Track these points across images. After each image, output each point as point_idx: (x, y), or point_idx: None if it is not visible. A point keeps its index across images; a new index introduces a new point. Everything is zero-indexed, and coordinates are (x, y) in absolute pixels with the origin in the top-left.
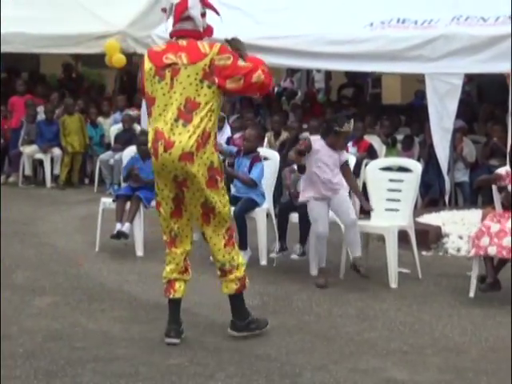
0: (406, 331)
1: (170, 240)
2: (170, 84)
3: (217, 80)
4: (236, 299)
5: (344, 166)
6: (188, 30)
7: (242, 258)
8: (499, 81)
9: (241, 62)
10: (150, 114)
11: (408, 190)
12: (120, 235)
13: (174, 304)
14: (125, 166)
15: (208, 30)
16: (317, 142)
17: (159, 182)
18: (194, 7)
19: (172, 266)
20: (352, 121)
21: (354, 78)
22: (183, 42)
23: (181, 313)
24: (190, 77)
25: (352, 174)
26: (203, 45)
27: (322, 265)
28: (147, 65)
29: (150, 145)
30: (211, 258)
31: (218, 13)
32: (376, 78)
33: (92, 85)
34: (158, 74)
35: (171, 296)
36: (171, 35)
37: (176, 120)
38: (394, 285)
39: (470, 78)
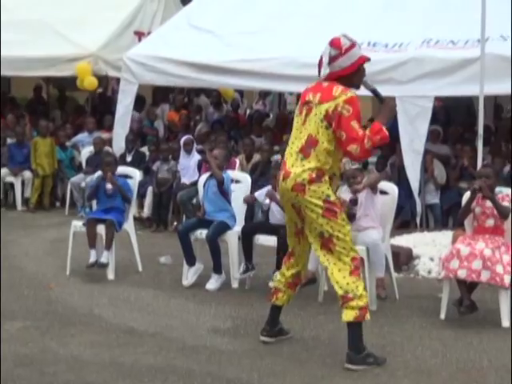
0: (378, 353)
1: (287, 256)
2: (303, 120)
3: (333, 124)
4: (354, 328)
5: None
6: (328, 74)
7: (363, 289)
8: (466, 103)
9: (354, 124)
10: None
11: (385, 213)
12: (100, 266)
13: (273, 308)
14: (90, 185)
15: (351, 67)
16: None
17: (285, 213)
18: (324, 54)
19: (279, 277)
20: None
21: None
22: (326, 83)
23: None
24: (316, 115)
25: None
26: (337, 88)
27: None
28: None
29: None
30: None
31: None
32: None
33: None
34: (299, 110)
35: (272, 301)
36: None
37: (297, 153)
38: (373, 307)
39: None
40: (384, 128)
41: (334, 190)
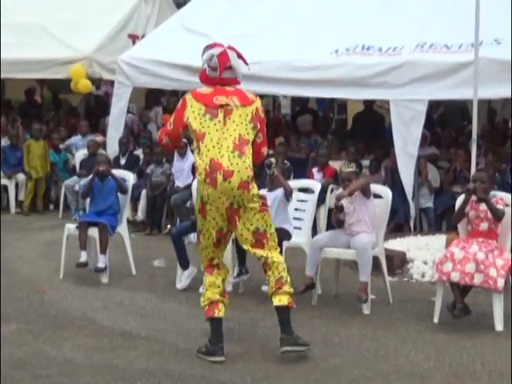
0: (371, 357)
1: (209, 267)
2: (223, 121)
3: (259, 126)
4: (288, 312)
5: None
6: (229, 79)
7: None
8: (461, 107)
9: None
10: (198, 148)
11: (379, 216)
12: (98, 271)
13: (218, 323)
14: (83, 184)
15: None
16: None
17: (210, 211)
18: (234, 59)
19: (214, 289)
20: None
21: (305, 105)
22: (230, 88)
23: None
24: (241, 117)
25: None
26: (248, 93)
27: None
28: (195, 105)
29: (203, 176)
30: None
31: (246, 63)
32: (341, 104)
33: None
34: (209, 113)
35: (216, 315)
36: (213, 81)
37: (232, 152)
38: (366, 311)
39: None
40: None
41: None
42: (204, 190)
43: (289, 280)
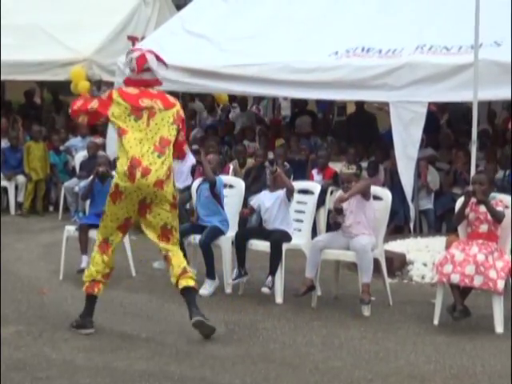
0: (371, 359)
1: (104, 246)
2: (146, 123)
3: (181, 125)
4: (194, 293)
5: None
6: (150, 80)
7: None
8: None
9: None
10: (120, 143)
11: (378, 218)
12: None
13: (94, 300)
14: (83, 186)
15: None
16: None
17: (123, 200)
18: (152, 61)
19: (99, 268)
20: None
21: (303, 107)
22: (153, 91)
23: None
24: (164, 119)
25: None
26: (169, 96)
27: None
28: (121, 102)
29: (124, 168)
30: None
31: (166, 64)
32: (341, 106)
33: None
34: (134, 114)
35: (95, 293)
36: (135, 83)
37: (152, 152)
38: (366, 313)
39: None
40: None
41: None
42: (122, 182)
43: (191, 270)
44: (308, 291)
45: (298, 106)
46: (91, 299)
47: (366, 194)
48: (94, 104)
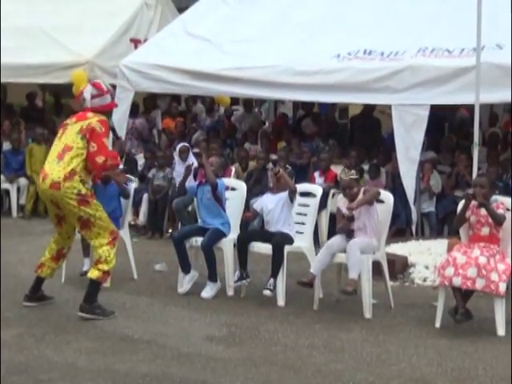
0: (373, 362)
1: (54, 239)
2: (60, 137)
3: (88, 136)
4: (94, 285)
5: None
6: (83, 107)
7: (114, 261)
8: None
9: (105, 141)
10: None
11: (380, 221)
12: None
13: (38, 279)
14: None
15: (104, 106)
16: None
17: (46, 203)
18: (87, 91)
19: (47, 253)
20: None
21: (311, 109)
22: (83, 113)
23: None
24: (72, 130)
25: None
26: (92, 114)
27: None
28: None
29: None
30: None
31: (107, 92)
32: (343, 109)
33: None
34: (58, 131)
35: (38, 273)
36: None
37: (55, 159)
38: (368, 315)
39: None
40: (118, 158)
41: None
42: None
43: (109, 257)
44: (306, 285)
45: (305, 108)
46: (38, 279)
47: (371, 201)
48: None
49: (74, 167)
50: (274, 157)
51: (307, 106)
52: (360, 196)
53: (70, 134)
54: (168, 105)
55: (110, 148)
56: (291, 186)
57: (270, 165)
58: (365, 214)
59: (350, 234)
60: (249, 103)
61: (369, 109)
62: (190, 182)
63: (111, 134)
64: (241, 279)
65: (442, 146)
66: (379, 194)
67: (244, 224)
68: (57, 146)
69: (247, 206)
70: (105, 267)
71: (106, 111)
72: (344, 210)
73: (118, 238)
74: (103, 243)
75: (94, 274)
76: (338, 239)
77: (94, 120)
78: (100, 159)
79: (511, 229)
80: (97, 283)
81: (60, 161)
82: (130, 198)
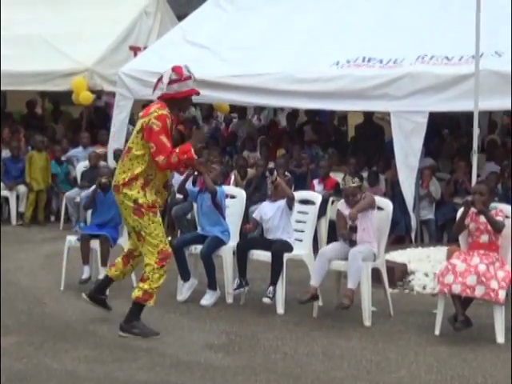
0: (372, 369)
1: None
2: (131, 133)
3: (146, 135)
4: (136, 306)
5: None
6: (163, 93)
7: (160, 281)
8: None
9: (163, 138)
10: None
11: (380, 228)
12: None
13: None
14: (86, 196)
15: (179, 93)
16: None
17: None
18: (165, 76)
19: (120, 255)
20: None
21: (313, 116)
22: (153, 103)
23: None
24: (135, 129)
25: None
26: (154, 106)
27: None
28: None
29: None
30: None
31: (188, 78)
32: (342, 116)
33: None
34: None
35: (108, 272)
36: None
37: (120, 160)
38: (367, 323)
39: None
40: (192, 150)
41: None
42: None
43: (153, 277)
44: (311, 300)
45: (307, 114)
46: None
47: (367, 209)
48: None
49: (134, 171)
50: (271, 165)
51: (310, 113)
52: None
53: (133, 133)
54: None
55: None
56: (289, 194)
57: (269, 167)
58: (364, 219)
59: (352, 243)
60: (243, 111)
61: (370, 116)
62: (189, 186)
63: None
64: (240, 287)
65: (440, 153)
66: (374, 201)
67: (243, 232)
68: (127, 145)
69: (247, 214)
70: (145, 286)
71: (183, 98)
72: (346, 213)
73: (168, 259)
74: (150, 262)
75: (135, 293)
76: (333, 246)
77: (152, 116)
78: (160, 159)
79: (511, 236)
80: (138, 304)
81: (121, 162)
82: None
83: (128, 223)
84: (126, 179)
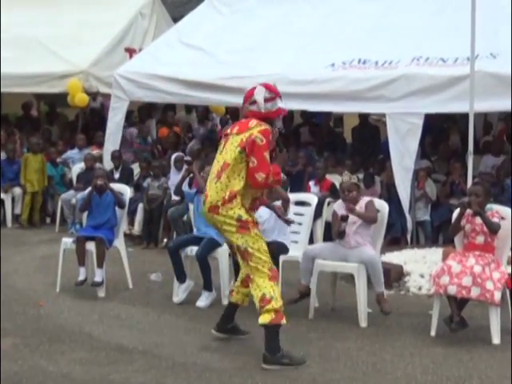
0: (368, 371)
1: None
2: (221, 150)
3: (247, 150)
4: (270, 330)
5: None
6: (252, 112)
7: (279, 295)
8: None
9: (266, 155)
10: None
11: (375, 230)
12: (95, 285)
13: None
14: (81, 198)
15: (272, 112)
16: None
17: None
18: (259, 94)
19: (238, 279)
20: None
21: (309, 118)
22: (244, 119)
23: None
24: (232, 144)
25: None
26: (253, 121)
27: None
28: None
29: None
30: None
31: (279, 96)
32: (337, 118)
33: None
34: (220, 143)
35: (230, 299)
36: (244, 114)
37: (213, 178)
38: (363, 324)
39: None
40: (281, 173)
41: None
42: None
43: (274, 295)
44: (302, 297)
45: (303, 117)
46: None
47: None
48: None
49: (233, 188)
50: None
51: (306, 114)
52: (362, 207)
53: (230, 149)
54: (161, 114)
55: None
56: (284, 197)
57: None
58: (361, 226)
59: (341, 234)
60: (235, 112)
61: (365, 117)
62: (185, 187)
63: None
64: None
65: (437, 154)
66: (376, 220)
67: None
68: (218, 161)
69: None
70: (274, 305)
71: (274, 118)
72: (341, 213)
73: (277, 279)
74: (263, 280)
75: (264, 319)
76: (321, 246)
77: (255, 130)
78: (260, 176)
79: (507, 237)
80: (272, 327)
81: (218, 181)
82: (125, 207)
83: (232, 243)
84: (226, 197)
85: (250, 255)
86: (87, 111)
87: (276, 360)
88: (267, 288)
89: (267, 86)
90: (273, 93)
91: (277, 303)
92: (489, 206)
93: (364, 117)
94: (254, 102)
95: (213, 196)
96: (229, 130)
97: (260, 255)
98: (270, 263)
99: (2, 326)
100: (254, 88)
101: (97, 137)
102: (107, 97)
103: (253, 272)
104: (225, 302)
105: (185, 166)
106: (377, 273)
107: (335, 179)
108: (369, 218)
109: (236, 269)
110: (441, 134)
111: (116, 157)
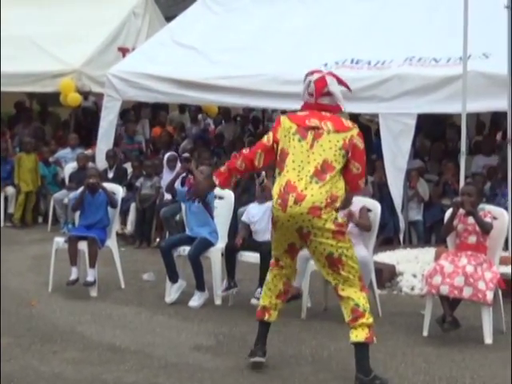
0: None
1: (274, 264)
2: (310, 144)
3: (350, 154)
4: (364, 349)
5: None
6: (328, 106)
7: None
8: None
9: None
10: (280, 168)
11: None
12: (87, 285)
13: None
14: (73, 197)
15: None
16: None
17: (280, 230)
18: (333, 85)
19: (268, 291)
20: None
21: None
22: (326, 114)
23: None
24: (331, 142)
25: None
26: (346, 120)
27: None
28: (287, 123)
29: (275, 198)
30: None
31: (349, 88)
32: None
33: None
34: (299, 133)
35: (265, 319)
36: (310, 107)
37: (311, 177)
38: None
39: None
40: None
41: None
42: (275, 210)
43: (367, 309)
44: (293, 299)
45: None
46: (262, 325)
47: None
48: (269, 136)
49: (337, 192)
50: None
51: None
52: (356, 209)
53: (329, 147)
54: (154, 113)
55: None
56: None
57: (255, 174)
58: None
59: None
60: (227, 112)
61: (356, 117)
62: (178, 186)
63: None
64: (229, 288)
65: (429, 155)
66: (370, 228)
67: (232, 233)
68: (308, 157)
69: (235, 215)
70: (369, 321)
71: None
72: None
73: (367, 289)
74: (356, 291)
75: (359, 335)
76: None
77: (354, 133)
78: (362, 183)
79: (499, 237)
80: (365, 345)
81: (320, 181)
82: (117, 207)
83: (323, 250)
84: (329, 200)
85: (343, 264)
86: (79, 112)
87: (371, 383)
88: (360, 300)
89: (337, 77)
90: (342, 84)
91: (369, 318)
92: (481, 206)
93: (355, 116)
94: (328, 94)
95: (315, 197)
96: (313, 122)
97: (353, 264)
98: (360, 273)
99: None
100: (324, 78)
101: (90, 136)
102: (100, 96)
103: (343, 281)
104: (217, 302)
105: (179, 164)
106: (366, 273)
107: None
108: (365, 227)
109: (229, 268)
110: (435, 134)
111: (111, 156)
